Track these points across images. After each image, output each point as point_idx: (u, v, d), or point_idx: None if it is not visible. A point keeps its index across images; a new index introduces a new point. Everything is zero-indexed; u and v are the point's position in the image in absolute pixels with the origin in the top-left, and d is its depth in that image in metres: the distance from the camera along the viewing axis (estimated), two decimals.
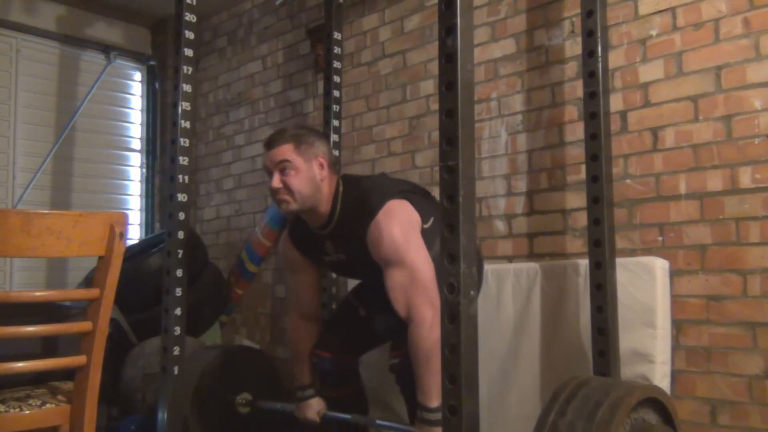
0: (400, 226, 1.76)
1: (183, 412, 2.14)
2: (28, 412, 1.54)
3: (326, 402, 2.07)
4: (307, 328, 2.10)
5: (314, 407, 2.04)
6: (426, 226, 1.83)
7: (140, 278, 2.81)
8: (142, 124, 3.96)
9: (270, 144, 1.88)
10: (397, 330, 1.80)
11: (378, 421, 1.99)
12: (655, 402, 1.29)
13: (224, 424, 2.26)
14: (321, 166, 1.88)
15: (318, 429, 2.07)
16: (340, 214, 1.89)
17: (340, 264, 1.99)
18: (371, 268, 1.81)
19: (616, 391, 1.24)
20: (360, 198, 1.86)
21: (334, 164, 1.98)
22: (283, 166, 1.84)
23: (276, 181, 1.84)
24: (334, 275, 2.62)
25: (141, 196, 3.92)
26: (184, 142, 2.18)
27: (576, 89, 2.22)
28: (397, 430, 1.96)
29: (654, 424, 1.26)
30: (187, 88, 2.19)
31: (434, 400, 1.65)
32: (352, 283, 2.32)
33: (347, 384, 2.11)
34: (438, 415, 1.58)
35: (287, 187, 1.83)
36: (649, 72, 2.07)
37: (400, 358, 1.87)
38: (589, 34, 2.02)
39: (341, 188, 1.91)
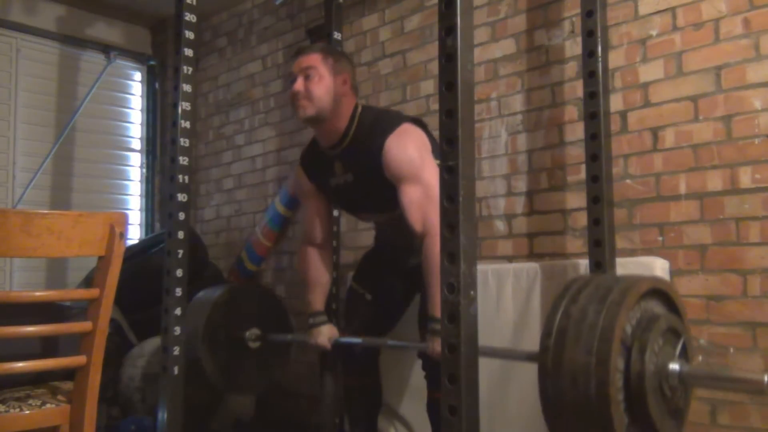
0: (415, 145, 1.84)
1: (195, 352, 2.20)
2: (28, 412, 1.54)
3: (352, 384, 2.13)
4: (317, 255, 2.14)
5: (325, 333, 2.06)
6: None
7: (140, 278, 2.81)
8: (142, 124, 3.96)
9: (299, 51, 1.96)
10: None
11: (390, 342, 2.03)
12: (662, 293, 1.31)
13: (236, 359, 2.33)
14: (344, 82, 1.93)
15: (328, 356, 2.11)
16: (355, 132, 1.93)
17: (346, 188, 2.00)
18: (375, 192, 1.87)
19: (626, 281, 1.27)
20: (375, 119, 1.93)
21: (356, 87, 2.03)
22: (307, 73, 1.89)
23: (299, 85, 1.90)
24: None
25: (141, 196, 3.92)
26: (184, 142, 2.18)
27: (576, 89, 2.22)
28: (408, 347, 2.02)
29: (661, 313, 1.29)
30: (187, 88, 2.18)
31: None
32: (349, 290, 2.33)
33: (370, 373, 2.13)
34: None
35: (308, 92, 1.89)
36: (649, 72, 2.07)
37: None
38: (589, 34, 2.02)
39: (359, 110, 1.96)
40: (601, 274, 1.63)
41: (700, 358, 1.86)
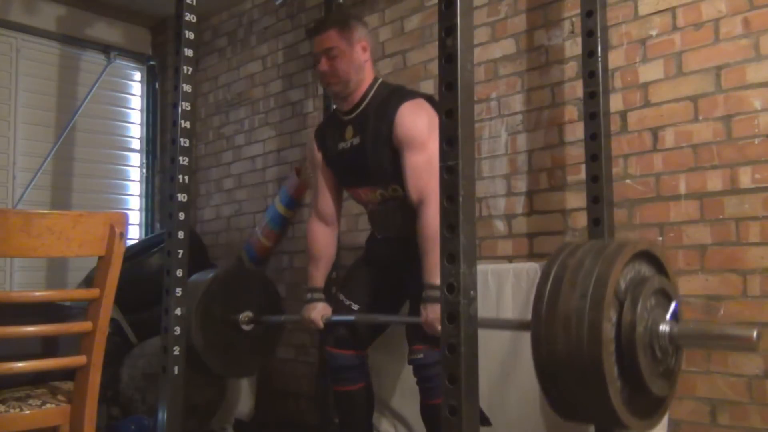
0: (428, 117, 1.92)
1: (188, 334, 2.20)
2: (28, 412, 1.54)
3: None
4: (324, 232, 2.19)
5: (319, 310, 2.10)
6: None
7: (140, 278, 2.82)
8: (142, 124, 3.96)
9: (316, 30, 2.02)
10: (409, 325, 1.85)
11: (380, 317, 2.06)
12: (653, 258, 1.34)
13: (229, 341, 2.35)
14: (364, 48, 2.02)
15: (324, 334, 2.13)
16: (372, 98, 2.02)
17: (351, 152, 2.05)
18: (378, 158, 1.93)
19: (622, 241, 1.30)
20: (394, 90, 2.04)
21: (374, 49, 2.13)
22: (330, 53, 1.98)
23: (324, 65, 1.99)
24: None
25: (141, 196, 3.92)
26: (184, 142, 2.18)
27: (576, 89, 2.22)
28: (401, 321, 2.04)
29: (649, 275, 1.31)
30: (187, 88, 2.19)
31: (437, 277, 1.72)
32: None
33: (360, 378, 2.13)
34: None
35: (334, 71, 1.98)
36: (649, 72, 2.07)
37: (423, 353, 1.89)
38: (589, 34, 2.02)
39: (378, 81, 2.07)
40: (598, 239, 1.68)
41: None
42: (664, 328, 1.25)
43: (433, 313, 1.76)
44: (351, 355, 2.08)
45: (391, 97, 1.98)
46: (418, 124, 1.90)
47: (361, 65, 2.00)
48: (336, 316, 2.09)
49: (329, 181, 2.18)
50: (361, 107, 2.02)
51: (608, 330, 1.17)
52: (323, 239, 2.19)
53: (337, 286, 2.40)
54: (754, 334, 1.17)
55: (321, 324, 2.08)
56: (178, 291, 2.12)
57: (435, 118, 1.87)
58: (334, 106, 2.17)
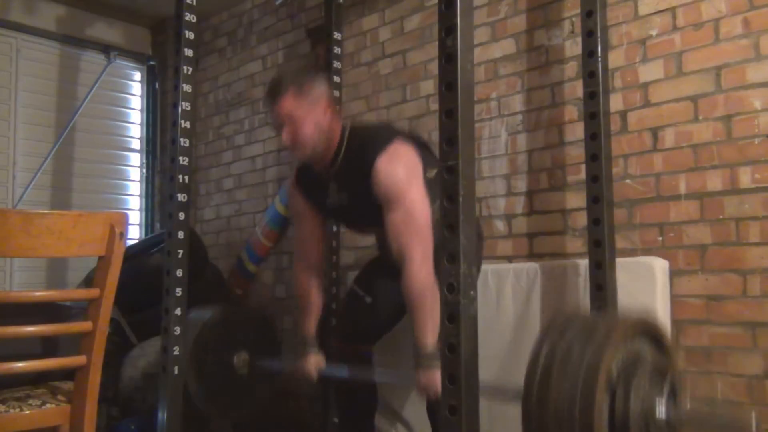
0: (404, 165, 1.80)
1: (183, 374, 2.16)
2: (28, 412, 1.54)
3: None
4: (312, 281, 2.12)
5: (313, 363, 2.04)
6: (429, 176, 1.85)
7: (140, 278, 2.81)
8: (142, 124, 3.96)
9: (272, 96, 1.89)
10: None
11: (379, 372, 2.02)
12: (649, 333, 1.30)
13: (222, 382, 2.29)
14: (324, 109, 1.89)
15: (319, 387, 2.08)
16: (346, 152, 1.91)
17: (342, 207, 1.99)
18: (371, 210, 1.83)
19: (612, 319, 1.25)
20: (366, 137, 1.90)
21: (336, 103, 2.00)
22: (291, 121, 1.86)
23: (286, 136, 1.87)
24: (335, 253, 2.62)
25: (141, 196, 3.92)
26: (184, 142, 2.18)
27: (576, 89, 2.22)
28: (397, 376, 2.01)
29: (648, 354, 1.27)
30: (187, 88, 2.18)
31: (429, 341, 1.68)
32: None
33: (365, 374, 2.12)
34: (434, 356, 1.64)
35: (297, 139, 1.86)
36: (649, 72, 2.07)
37: None
38: (589, 34, 2.02)
39: (347, 130, 1.94)
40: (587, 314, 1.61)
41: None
42: (660, 413, 1.19)
43: (426, 378, 1.68)
44: (360, 350, 2.08)
45: (365, 149, 1.85)
46: (394, 178, 1.78)
47: (325, 126, 1.88)
48: (329, 369, 2.04)
49: (315, 228, 2.11)
50: (338, 163, 1.92)
51: (601, 421, 1.13)
52: (313, 289, 2.11)
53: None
54: (753, 426, 1.13)
55: (315, 377, 2.04)
56: (178, 291, 2.12)
57: (412, 162, 1.83)
58: None
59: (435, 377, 1.64)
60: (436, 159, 2.01)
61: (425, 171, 1.85)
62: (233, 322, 2.37)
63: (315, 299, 2.11)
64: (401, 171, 1.79)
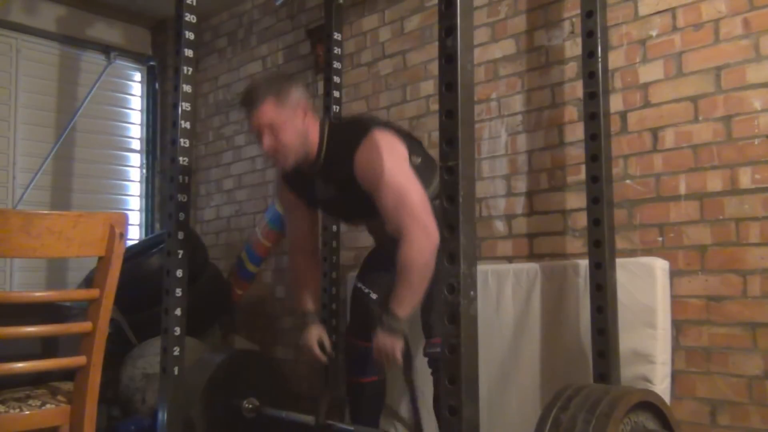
0: (384, 150, 1.80)
1: (189, 416, 2.17)
2: (28, 412, 1.54)
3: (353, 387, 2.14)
4: (306, 260, 2.13)
5: (314, 335, 2.06)
6: (416, 162, 1.87)
7: (140, 278, 2.81)
8: (142, 125, 3.96)
9: (249, 105, 1.88)
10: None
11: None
12: (652, 406, 1.29)
13: (230, 428, 2.28)
14: (303, 113, 1.88)
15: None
16: (327, 150, 1.91)
17: (331, 202, 2.01)
18: (359, 201, 1.84)
19: (615, 391, 1.25)
20: (345, 131, 1.93)
21: (313, 107, 1.98)
22: (269, 128, 1.85)
23: (267, 143, 1.86)
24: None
25: (141, 196, 3.92)
26: (184, 142, 2.18)
27: (576, 90, 2.22)
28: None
29: (654, 429, 1.26)
30: (187, 88, 2.19)
31: (400, 312, 1.74)
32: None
33: (374, 371, 2.13)
34: (399, 322, 1.74)
35: (278, 146, 1.85)
36: (649, 72, 2.07)
37: (441, 346, 1.89)
38: (589, 35, 2.02)
39: (326, 128, 1.93)
40: (593, 384, 1.61)
41: None
42: None
43: (384, 340, 1.74)
44: (370, 347, 2.08)
45: (345, 144, 1.87)
46: (375, 164, 1.79)
47: (305, 131, 1.88)
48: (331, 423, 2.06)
49: (306, 218, 2.12)
50: (321, 160, 1.92)
51: None
52: (309, 267, 2.12)
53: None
54: None
55: (317, 348, 2.05)
56: (178, 291, 2.12)
57: (391, 145, 1.83)
58: None
59: (393, 342, 1.73)
60: (421, 146, 2.03)
61: (411, 155, 1.86)
62: (244, 367, 2.39)
63: (311, 275, 2.14)
64: (383, 156, 1.79)
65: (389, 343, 1.73)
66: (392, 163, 1.79)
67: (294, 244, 2.16)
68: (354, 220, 2.23)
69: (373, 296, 2.08)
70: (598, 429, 1.16)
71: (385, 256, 2.15)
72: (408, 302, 1.74)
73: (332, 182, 1.94)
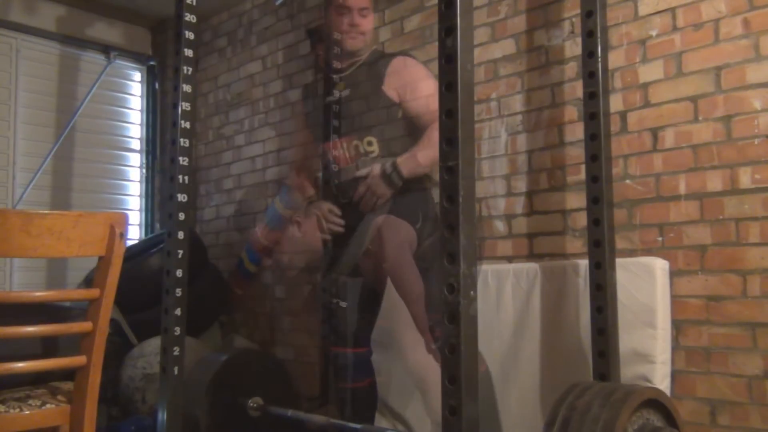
0: (418, 66, 2.29)
1: (195, 414, 2.19)
2: (28, 412, 1.54)
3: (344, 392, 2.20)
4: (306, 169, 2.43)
5: (326, 205, 2.23)
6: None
7: (140, 278, 2.81)
8: (142, 125, 3.96)
9: None
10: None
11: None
12: (657, 404, 1.30)
13: (235, 427, 2.29)
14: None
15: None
16: (367, 59, 2.33)
17: (338, 103, 2.31)
18: (362, 108, 2.24)
19: (628, 387, 1.28)
20: (385, 52, 2.45)
21: None
22: (363, 12, 2.30)
23: (358, 19, 2.29)
24: None
25: (141, 196, 3.92)
26: (184, 142, 2.18)
27: (576, 90, 2.22)
28: None
29: (661, 426, 1.27)
30: (187, 88, 2.18)
31: (405, 166, 2.04)
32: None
33: (364, 375, 2.14)
34: (396, 180, 2.01)
35: (362, 29, 2.30)
36: (649, 72, 2.07)
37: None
38: (588, 35, 2.01)
39: (373, 46, 2.40)
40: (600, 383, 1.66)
41: None
42: None
43: (378, 182, 1.97)
44: (356, 352, 2.09)
45: (383, 55, 2.29)
46: (411, 69, 2.18)
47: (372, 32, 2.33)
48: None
49: (310, 143, 2.45)
50: (356, 66, 2.30)
51: None
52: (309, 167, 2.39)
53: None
54: None
55: (326, 212, 2.18)
56: (178, 291, 2.12)
57: (424, 68, 2.27)
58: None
59: (384, 191, 1.99)
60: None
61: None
62: (249, 365, 2.42)
63: (309, 164, 2.40)
64: (413, 68, 2.24)
65: (379, 191, 1.89)
66: (428, 76, 2.19)
67: (296, 160, 2.45)
68: (342, 132, 2.42)
69: (343, 305, 2.10)
70: (613, 413, 1.18)
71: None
72: (414, 163, 2.04)
73: (354, 83, 2.29)
